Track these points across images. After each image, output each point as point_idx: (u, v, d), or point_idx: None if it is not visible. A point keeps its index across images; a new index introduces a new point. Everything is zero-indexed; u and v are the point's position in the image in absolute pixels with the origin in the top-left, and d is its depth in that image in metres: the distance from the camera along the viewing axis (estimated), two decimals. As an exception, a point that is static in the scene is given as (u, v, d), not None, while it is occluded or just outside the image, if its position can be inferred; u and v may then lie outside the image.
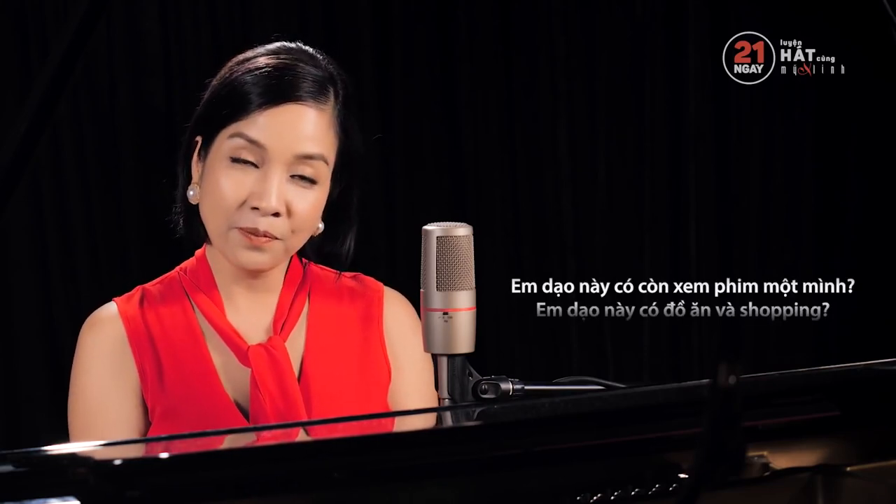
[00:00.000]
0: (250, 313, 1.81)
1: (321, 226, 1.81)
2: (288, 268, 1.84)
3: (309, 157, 1.73)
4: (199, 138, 1.79)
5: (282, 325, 1.80)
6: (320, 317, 1.84)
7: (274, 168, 1.72)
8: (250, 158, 1.72)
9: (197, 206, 1.79)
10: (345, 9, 3.74)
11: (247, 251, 1.73)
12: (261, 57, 1.77)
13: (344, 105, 1.78)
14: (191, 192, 1.78)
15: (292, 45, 1.80)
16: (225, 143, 1.74)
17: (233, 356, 1.77)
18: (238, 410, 1.75)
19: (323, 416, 1.76)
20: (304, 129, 1.73)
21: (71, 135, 3.52)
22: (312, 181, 1.74)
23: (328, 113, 1.76)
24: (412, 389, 1.85)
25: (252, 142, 1.72)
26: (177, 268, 1.85)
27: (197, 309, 1.80)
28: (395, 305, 1.88)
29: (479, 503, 1.20)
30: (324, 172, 1.76)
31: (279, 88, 1.73)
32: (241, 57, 1.79)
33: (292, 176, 1.73)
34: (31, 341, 3.50)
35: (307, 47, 1.81)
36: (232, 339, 1.77)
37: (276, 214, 1.71)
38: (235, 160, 1.73)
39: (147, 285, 1.83)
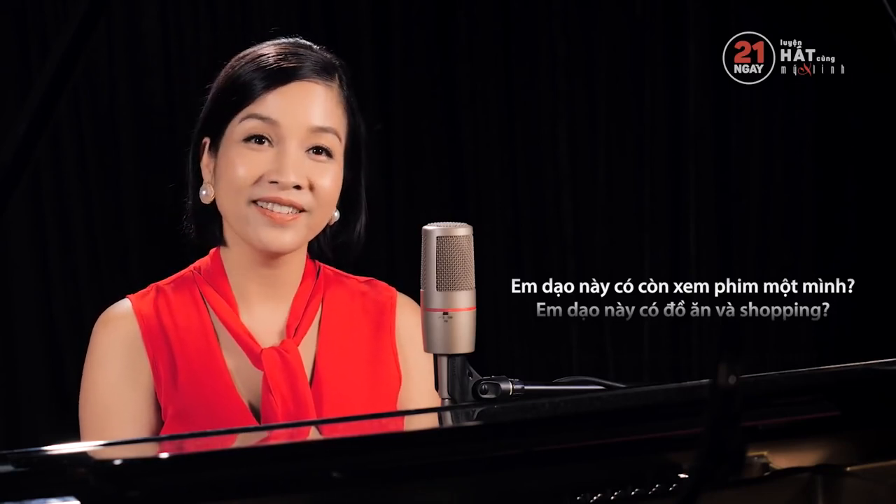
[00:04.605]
0: (264, 315, 1.79)
1: (336, 214, 1.80)
2: (303, 270, 1.82)
3: (322, 130, 1.73)
4: (206, 140, 1.78)
5: (295, 328, 1.78)
6: (333, 321, 1.82)
7: (289, 143, 1.71)
8: (264, 134, 1.72)
9: (209, 207, 1.78)
10: (345, 8, 3.74)
11: (269, 229, 1.71)
12: (261, 48, 1.78)
13: (348, 87, 1.79)
14: (203, 192, 1.77)
15: (290, 38, 1.81)
16: (237, 128, 1.73)
17: (246, 358, 1.75)
18: (250, 413, 1.74)
19: (332, 421, 1.75)
20: (315, 104, 1.73)
21: (71, 135, 3.52)
22: (329, 153, 1.74)
23: (335, 91, 1.77)
24: (422, 397, 1.83)
25: (264, 119, 1.72)
26: (190, 266, 1.82)
27: (210, 309, 1.78)
28: (407, 313, 1.86)
29: (478, 503, 1.20)
30: (337, 147, 1.75)
31: (284, 70, 1.73)
32: (240, 54, 1.79)
33: (308, 150, 1.73)
34: (31, 341, 3.49)
35: (304, 41, 1.81)
36: (245, 342, 1.75)
37: (298, 187, 1.70)
38: (249, 139, 1.72)
39: (161, 283, 1.81)
